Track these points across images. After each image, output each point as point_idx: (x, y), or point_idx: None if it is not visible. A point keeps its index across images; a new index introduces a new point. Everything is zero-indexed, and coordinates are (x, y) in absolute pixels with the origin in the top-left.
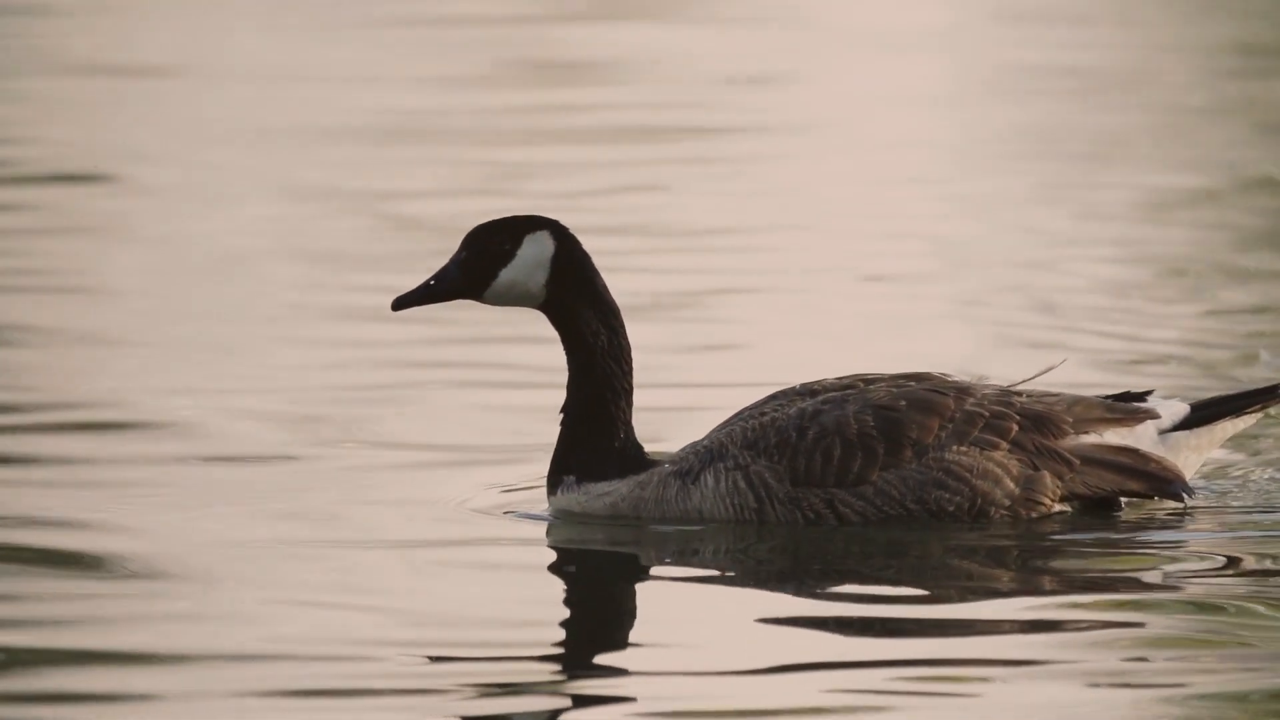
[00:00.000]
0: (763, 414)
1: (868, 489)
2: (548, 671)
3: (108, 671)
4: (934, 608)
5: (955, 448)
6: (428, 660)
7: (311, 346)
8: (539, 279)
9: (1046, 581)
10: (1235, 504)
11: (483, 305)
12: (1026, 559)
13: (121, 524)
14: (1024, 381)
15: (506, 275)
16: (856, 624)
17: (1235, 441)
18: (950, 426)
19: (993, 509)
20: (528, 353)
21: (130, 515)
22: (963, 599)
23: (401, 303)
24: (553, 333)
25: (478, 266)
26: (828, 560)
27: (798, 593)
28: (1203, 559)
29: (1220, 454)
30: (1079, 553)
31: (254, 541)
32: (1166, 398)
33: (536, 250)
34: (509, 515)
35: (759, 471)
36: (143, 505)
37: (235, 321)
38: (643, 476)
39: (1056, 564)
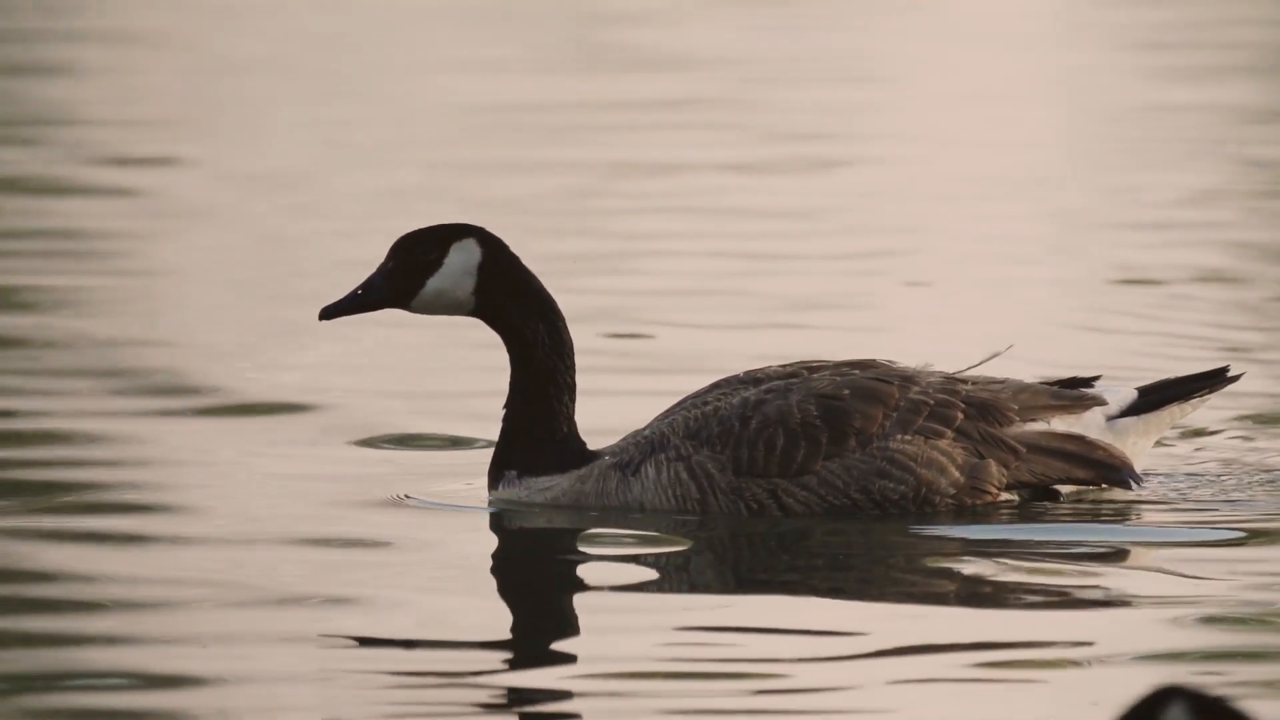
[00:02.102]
0: (705, 403)
1: (811, 479)
2: (483, 675)
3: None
4: (881, 605)
5: (899, 436)
6: (362, 655)
7: (257, 339)
8: (467, 287)
9: (993, 578)
10: (1185, 492)
11: (412, 314)
12: (973, 553)
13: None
14: (970, 368)
15: (434, 284)
16: (799, 621)
17: (1185, 427)
18: (895, 415)
19: (938, 498)
20: (470, 351)
21: (57, 520)
22: (909, 598)
23: (329, 313)
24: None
25: (405, 276)
26: (771, 556)
27: (738, 592)
28: (1149, 550)
29: (1170, 440)
30: (1025, 546)
31: (187, 540)
32: (1115, 383)
33: (463, 258)
34: (447, 508)
35: (701, 462)
36: (72, 499)
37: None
38: (583, 470)
39: (1002, 557)
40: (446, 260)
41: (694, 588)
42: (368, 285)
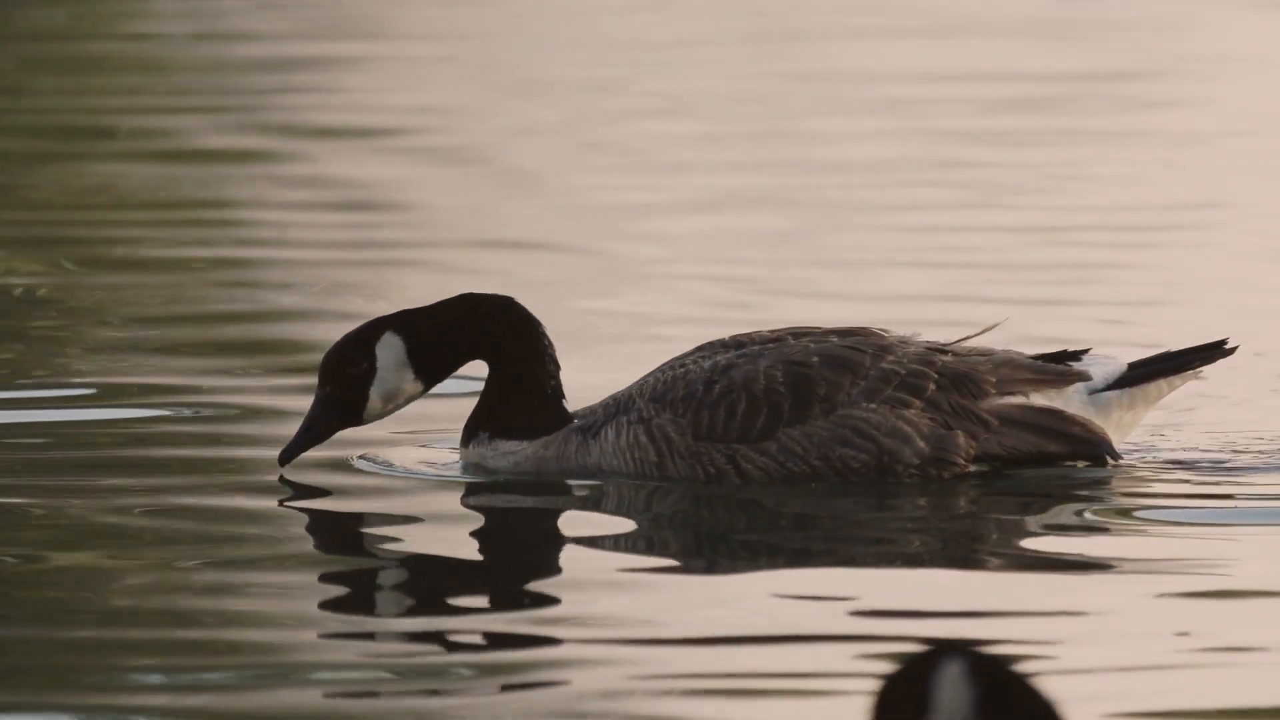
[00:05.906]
0: (682, 365)
1: (771, 445)
2: (463, 634)
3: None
4: (856, 570)
5: (864, 405)
6: (336, 628)
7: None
8: (409, 378)
9: (957, 548)
10: (1164, 467)
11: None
12: (936, 524)
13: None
14: (958, 341)
15: (377, 392)
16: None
17: (1173, 402)
18: (862, 384)
19: (900, 467)
20: None
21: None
22: (888, 561)
23: (285, 457)
24: None
25: (346, 396)
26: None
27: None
28: (1122, 526)
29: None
30: (988, 517)
31: (139, 511)
32: (1108, 355)
33: (392, 354)
34: (413, 473)
35: (661, 425)
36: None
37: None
38: (551, 436)
39: (966, 528)
40: (379, 365)
41: (660, 556)
42: (311, 419)
